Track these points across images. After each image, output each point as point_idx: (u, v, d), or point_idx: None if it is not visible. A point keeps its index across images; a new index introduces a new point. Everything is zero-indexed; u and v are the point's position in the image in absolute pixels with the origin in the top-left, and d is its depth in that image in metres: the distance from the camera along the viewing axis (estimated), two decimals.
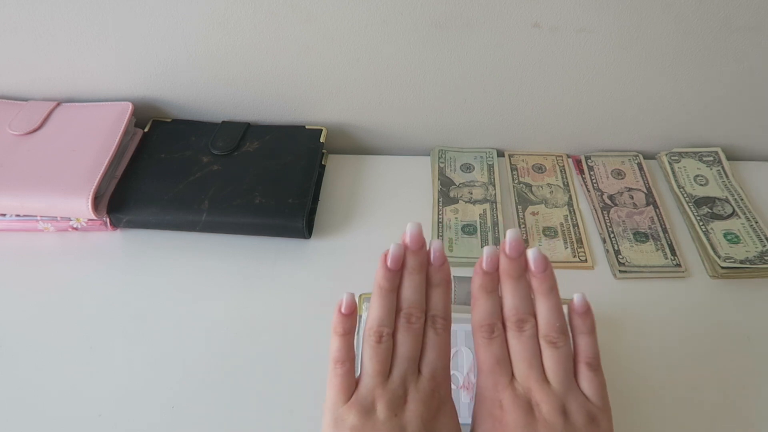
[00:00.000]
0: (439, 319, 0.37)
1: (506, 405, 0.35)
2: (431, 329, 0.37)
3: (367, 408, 0.34)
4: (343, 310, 0.37)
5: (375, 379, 0.35)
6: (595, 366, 0.36)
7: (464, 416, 0.46)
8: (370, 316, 0.36)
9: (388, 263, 0.37)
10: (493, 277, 0.37)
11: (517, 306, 0.36)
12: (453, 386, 0.47)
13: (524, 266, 0.37)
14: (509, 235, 0.37)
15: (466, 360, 0.45)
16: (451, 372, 0.47)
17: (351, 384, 0.35)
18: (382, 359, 0.35)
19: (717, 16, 0.57)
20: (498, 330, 0.36)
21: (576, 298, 0.38)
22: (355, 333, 0.38)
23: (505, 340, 0.36)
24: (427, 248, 0.39)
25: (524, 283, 0.37)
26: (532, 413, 0.34)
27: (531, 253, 0.37)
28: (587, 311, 0.37)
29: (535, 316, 0.36)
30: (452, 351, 0.46)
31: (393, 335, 0.36)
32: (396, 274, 0.37)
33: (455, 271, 0.56)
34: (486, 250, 0.38)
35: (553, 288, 0.37)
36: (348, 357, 0.36)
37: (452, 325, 0.49)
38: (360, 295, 0.54)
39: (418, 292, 0.37)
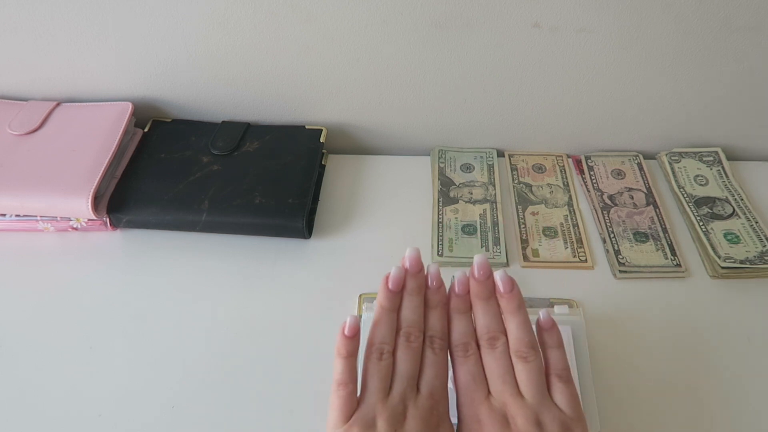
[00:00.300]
0: (437, 339, 0.39)
1: (483, 419, 0.36)
2: (429, 349, 0.38)
3: (368, 424, 0.35)
4: (346, 332, 0.38)
5: (376, 395, 0.36)
6: (566, 378, 0.38)
7: None
8: (372, 334, 0.38)
9: (389, 284, 0.39)
10: (465, 299, 0.40)
11: (489, 325, 0.38)
12: (452, 385, 0.47)
13: (492, 288, 0.39)
14: (477, 260, 0.39)
15: None
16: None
17: (353, 405, 0.36)
18: (383, 376, 0.36)
19: (717, 16, 0.57)
20: (472, 348, 0.38)
21: (541, 315, 0.40)
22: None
23: (480, 357, 0.38)
24: (425, 272, 0.41)
25: (494, 304, 0.39)
26: (507, 426, 0.36)
27: (498, 275, 0.39)
28: (553, 326, 0.39)
29: (506, 334, 0.38)
30: None
31: (393, 354, 0.37)
32: (396, 295, 0.39)
33: (455, 272, 0.56)
34: (457, 275, 0.40)
35: (520, 306, 0.38)
36: (351, 379, 0.37)
37: None
38: (360, 295, 0.54)
39: (417, 313, 0.39)
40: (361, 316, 0.52)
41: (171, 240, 0.59)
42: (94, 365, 0.50)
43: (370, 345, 0.38)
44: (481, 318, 0.39)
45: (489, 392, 0.37)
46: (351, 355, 0.38)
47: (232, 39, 0.61)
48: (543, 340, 0.39)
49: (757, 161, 0.69)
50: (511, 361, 0.38)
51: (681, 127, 0.68)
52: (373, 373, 0.37)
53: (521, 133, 0.69)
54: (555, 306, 0.52)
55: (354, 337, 0.38)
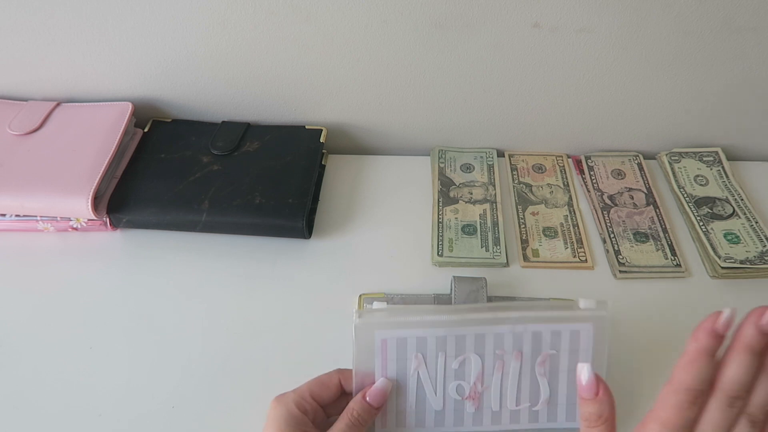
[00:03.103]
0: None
1: None
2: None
3: None
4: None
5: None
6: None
7: (467, 425, 0.44)
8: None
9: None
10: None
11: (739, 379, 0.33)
12: (458, 397, 0.43)
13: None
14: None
15: (474, 367, 0.44)
16: (457, 382, 0.43)
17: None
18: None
19: (717, 16, 0.57)
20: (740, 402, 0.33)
21: None
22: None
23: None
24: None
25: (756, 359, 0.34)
26: None
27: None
28: None
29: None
30: (461, 358, 0.43)
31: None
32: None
33: (455, 272, 0.56)
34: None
35: None
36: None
37: (461, 328, 0.42)
38: (360, 295, 0.54)
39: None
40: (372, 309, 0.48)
41: (171, 240, 0.59)
42: (94, 365, 0.50)
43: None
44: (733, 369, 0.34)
45: None
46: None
47: (232, 39, 0.61)
48: None
49: (757, 161, 0.69)
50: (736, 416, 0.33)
51: (681, 127, 0.68)
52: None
53: (521, 133, 0.69)
54: (581, 300, 0.44)
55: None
